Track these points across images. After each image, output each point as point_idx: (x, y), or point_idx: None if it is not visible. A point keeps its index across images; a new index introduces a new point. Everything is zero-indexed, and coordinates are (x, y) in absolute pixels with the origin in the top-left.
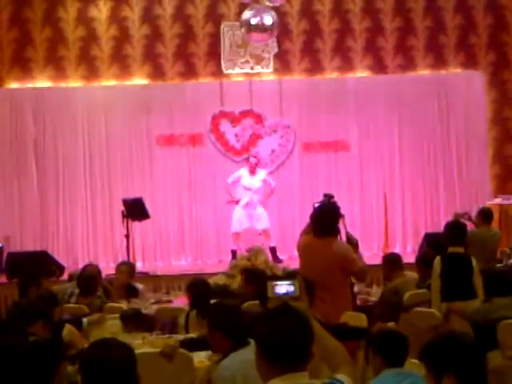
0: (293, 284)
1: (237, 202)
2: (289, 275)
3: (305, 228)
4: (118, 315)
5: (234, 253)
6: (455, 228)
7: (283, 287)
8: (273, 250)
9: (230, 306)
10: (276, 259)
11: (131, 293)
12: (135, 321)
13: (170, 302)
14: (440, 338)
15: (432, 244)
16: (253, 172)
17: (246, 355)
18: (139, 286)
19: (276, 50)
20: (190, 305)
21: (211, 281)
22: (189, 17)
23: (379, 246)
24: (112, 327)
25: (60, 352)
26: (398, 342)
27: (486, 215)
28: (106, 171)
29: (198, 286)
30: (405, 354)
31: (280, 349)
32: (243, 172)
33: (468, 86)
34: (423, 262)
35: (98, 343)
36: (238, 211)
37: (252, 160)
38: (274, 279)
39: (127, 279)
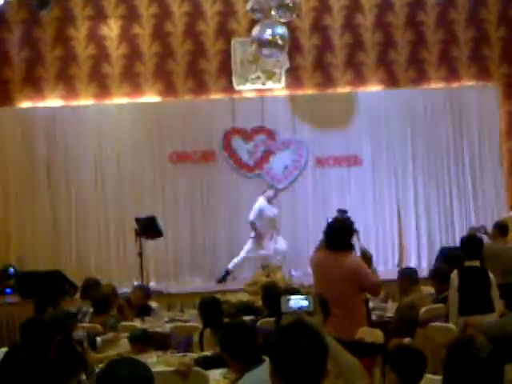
0: (307, 299)
1: (261, 236)
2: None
3: (319, 244)
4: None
5: (227, 272)
6: (471, 242)
7: (297, 302)
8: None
9: (238, 327)
10: None
11: (145, 311)
12: (143, 341)
13: (186, 321)
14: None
15: (447, 258)
16: (271, 201)
17: (260, 374)
18: (153, 304)
19: (287, 65)
20: (203, 323)
21: (235, 298)
22: (199, 33)
23: (394, 260)
24: (126, 346)
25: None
26: (413, 359)
27: (502, 228)
28: (118, 189)
29: (208, 305)
30: (421, 371)
31: (294, 366)
32: (262, 204)
33: (482, 98)
34: (438, 275)
35: (114, 361)
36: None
37: (271, 193)
38: (288, 294)
39: (142, 302)
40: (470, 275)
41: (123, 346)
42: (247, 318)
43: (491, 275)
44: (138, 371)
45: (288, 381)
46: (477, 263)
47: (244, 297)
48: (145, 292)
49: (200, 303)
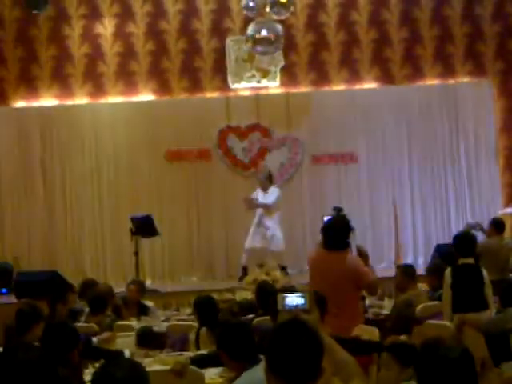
0: (303, 296)
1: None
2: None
3: (318, 243)
4: (128, 333)
5: (244, 269)
6: (465, 239)
7: (293, 299)
8: (282, 269)
9: (235, 326)
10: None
11: (142, 311)
12: (150, 339)
13: (184, 320)
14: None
15: (443, 255)
16: (265, 189)
17: (258, 373)
18: (149, 303)
19: (282, 63)
20: (199, 322)
21: (238, 296)
22: (194, 32)
23: (390, 258)
24: (122, 346)
25: None
26: (407, 354)
27: (497, 225)
28: (113, 188)
29: (204, 304)
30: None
31: (289, 364)
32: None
33: (477, 94)
34: (434, 272)
35: (108, 362)
36: (253, 228)
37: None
38: (284, 291)
39: (137, 297)
40: (462, 273)
41: (119, 346)
42: (252, 316)
43: (484, 272)
44: (133, 371)
45: (284, 379)
46: (470, 260)
47: (247, 295)
48: (139, 286)
49: (195, 302)
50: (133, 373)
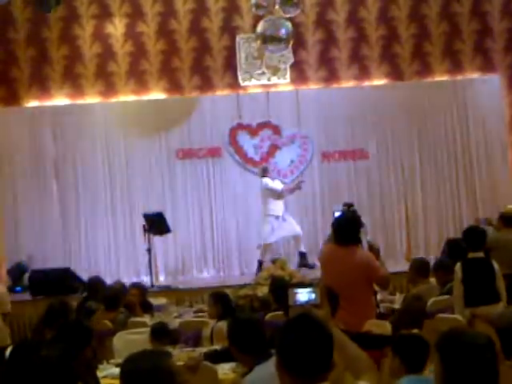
0: (314, 292)
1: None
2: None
3: (327, 238)
4: (141, 330)
5: (260, 263)
6: (474, 234)
7: (304, 295)
8: (302, 256)
9: (246, 320)
10: (306, 265)
11: (147, 308)
12: (164, 335)
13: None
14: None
15: (453, 250)
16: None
17: (270, 367)
18: (162, 300)
19: (292, 60)
20: (218, 316)
21: (260, 292)
22: (204, 30)
23: (402, 253)
24: (136, 342)
25: None
26: (418, 346)
27: (506, 219)
28: (126, 186)
29: (222, 297)
30: (425, 359)
31: (299, 359)
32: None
33: (486, 90)
34: (440, 268)
35: (135, 353)
36: (272, 222)
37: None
38: (296, 287)
39: (139, 300)
40: (473, 267)
41: (133, 342)
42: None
43: (495, 265)
44: (159, 362)
45: (294, 373)
46: (480, 254)
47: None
48: (140, 290)
49: (215, 295)
50: (158, 363)
